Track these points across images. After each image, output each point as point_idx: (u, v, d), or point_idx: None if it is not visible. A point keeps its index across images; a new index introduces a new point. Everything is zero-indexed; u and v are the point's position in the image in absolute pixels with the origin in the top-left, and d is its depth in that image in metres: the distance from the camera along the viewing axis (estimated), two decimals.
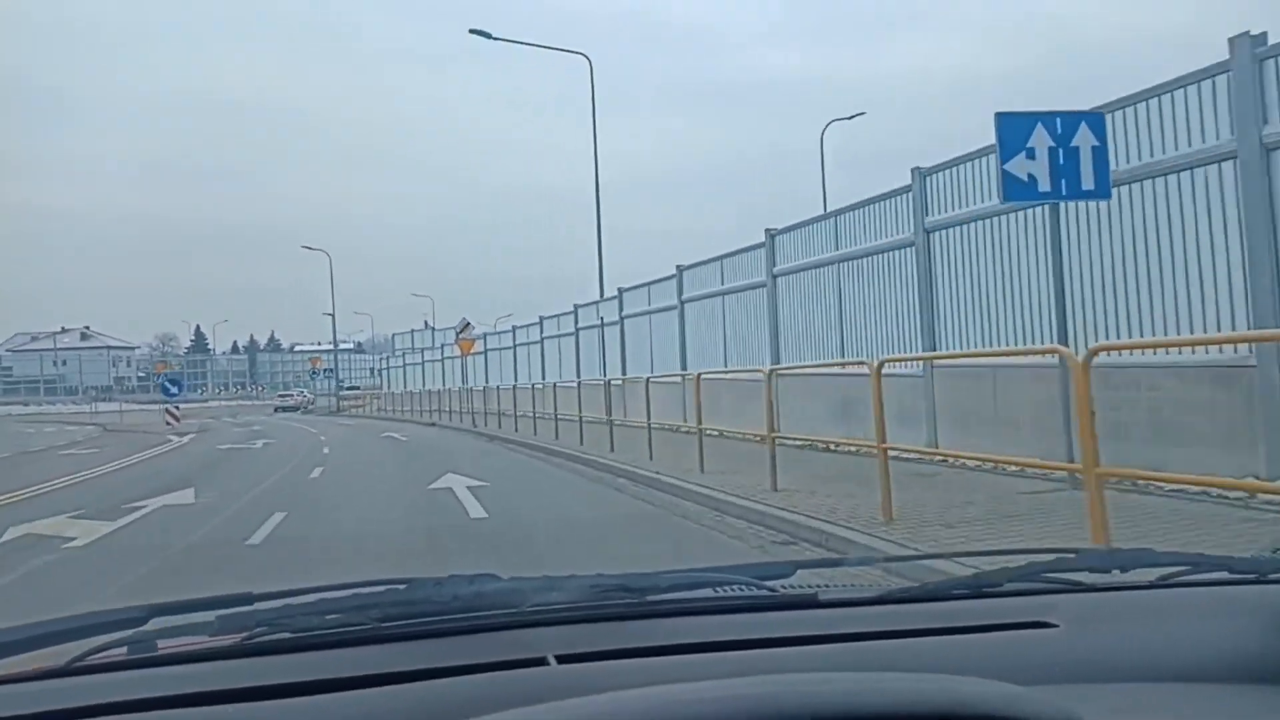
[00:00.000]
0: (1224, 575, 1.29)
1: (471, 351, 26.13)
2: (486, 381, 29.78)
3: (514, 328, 31.35)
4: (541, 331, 28.17)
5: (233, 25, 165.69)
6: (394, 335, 48.17)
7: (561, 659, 1.03)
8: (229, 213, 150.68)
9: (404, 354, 45.85)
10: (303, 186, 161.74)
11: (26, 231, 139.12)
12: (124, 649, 1.04)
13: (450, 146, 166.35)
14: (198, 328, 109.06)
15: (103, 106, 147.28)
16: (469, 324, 26.73)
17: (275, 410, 56.92)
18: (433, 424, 25.95)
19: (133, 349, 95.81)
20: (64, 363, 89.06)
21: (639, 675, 0.93)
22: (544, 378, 24.73)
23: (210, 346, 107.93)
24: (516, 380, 25.51)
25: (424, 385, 37.11)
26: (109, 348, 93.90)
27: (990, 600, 1.24)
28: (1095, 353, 4.68)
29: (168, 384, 30.73)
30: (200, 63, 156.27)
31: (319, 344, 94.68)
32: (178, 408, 29.15)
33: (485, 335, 34.90)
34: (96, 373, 78.12)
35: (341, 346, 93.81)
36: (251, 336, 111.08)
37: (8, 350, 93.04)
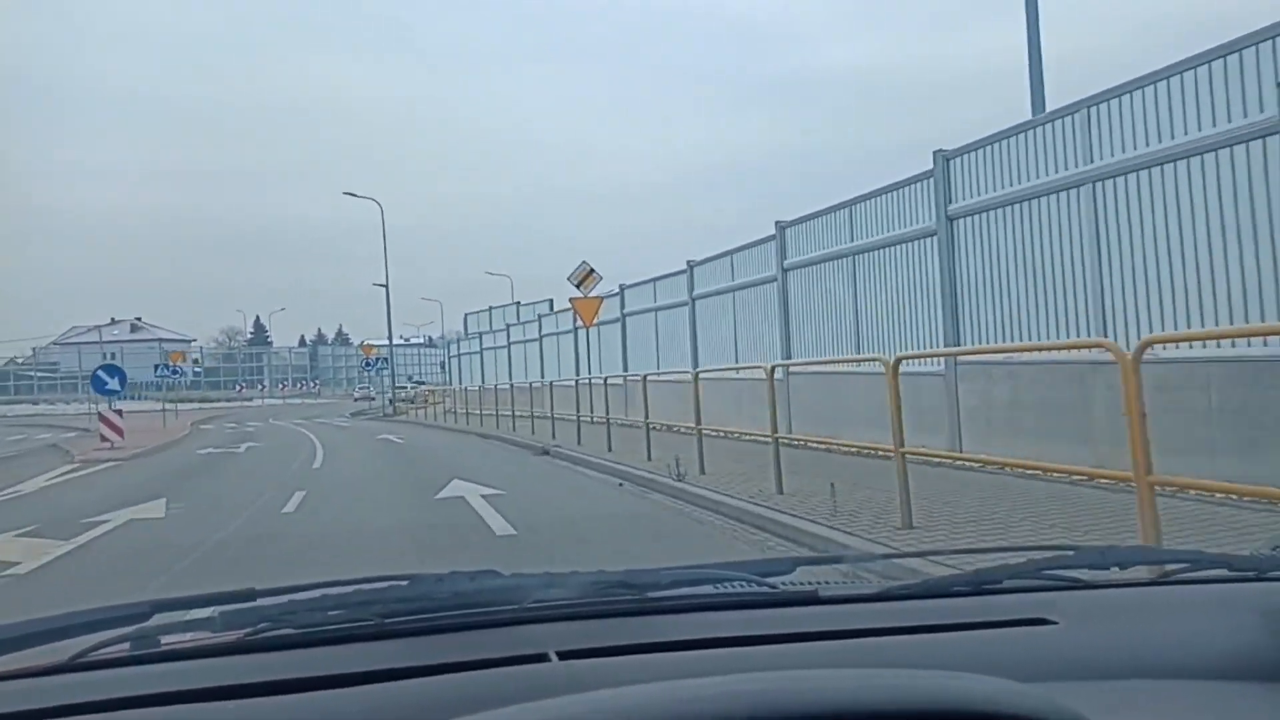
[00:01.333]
0: (1223, 573, 1.29)
1: (596, 320, 17.48)
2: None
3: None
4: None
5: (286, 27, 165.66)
6: (465, 316, 38.13)
7: (563, 655, 1.03)
8: (302, 209, 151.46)
9: (480, 336, 35.12)
10: (369, 178, 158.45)
11: (104, 230, 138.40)
12: (127, 645, 1.04)
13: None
14: (257, 319, 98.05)
15: (162, 110, 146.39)
16: (591, 270, 16.96)
17: (355, 400, 57.25)
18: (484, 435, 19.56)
19: (188, 341, 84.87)
20: (110, 356, 77.79)
21: (640, 671, 0.93)
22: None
23: (270, 339, 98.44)
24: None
25: (508, 378, 28.61)
26: (160, 340, 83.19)
27: (990, 597, 1.24)
28: (1147, 346, 4.20)
29: (102, 376, 19.51)
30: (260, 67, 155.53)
31: (409, 340, 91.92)
32: (119, 412, 18.60)
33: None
34: (146, 367, 63.82)
35: (410, 340, 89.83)
36: (319, 330, 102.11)
37: (55, 344, 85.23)
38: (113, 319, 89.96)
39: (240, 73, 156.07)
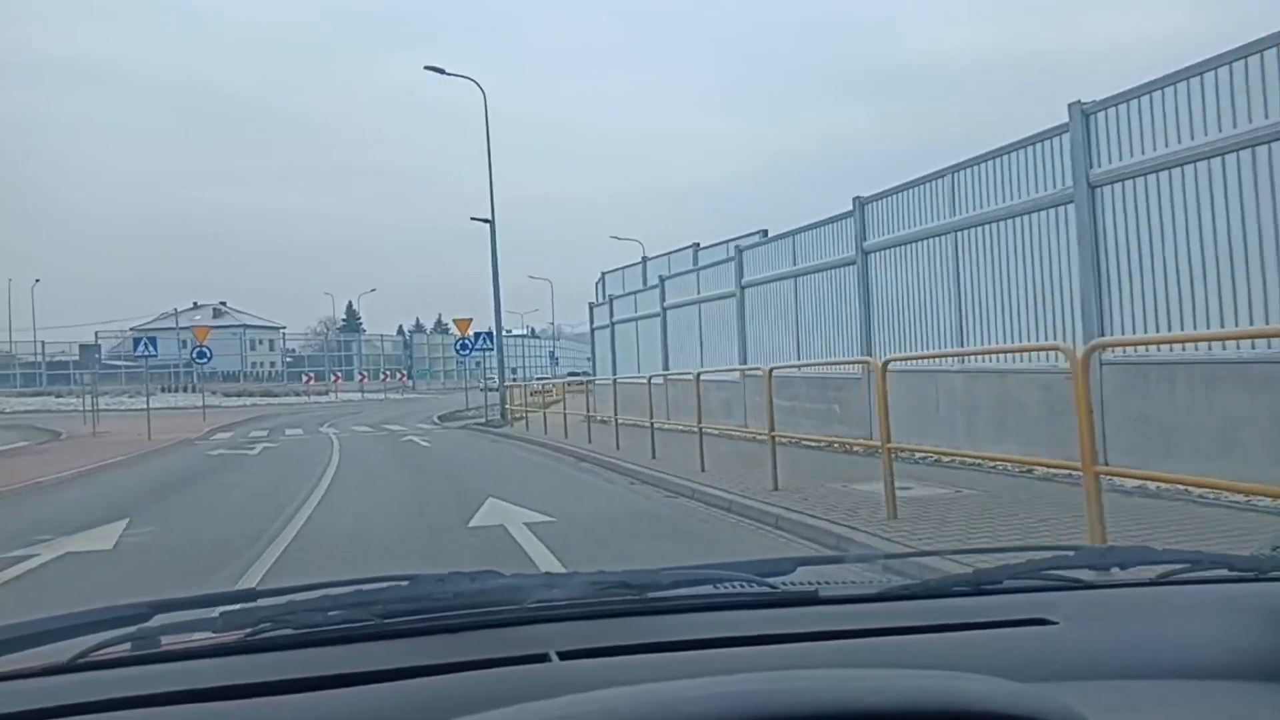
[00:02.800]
0: (1223, 573, 1.30)
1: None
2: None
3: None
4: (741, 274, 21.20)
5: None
6: (604, 275, 29.04)
7: (563, 655, 1.04)
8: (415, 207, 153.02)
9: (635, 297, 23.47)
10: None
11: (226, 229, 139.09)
12: (127, 645, 1.04)
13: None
14: (349, 305, 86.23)
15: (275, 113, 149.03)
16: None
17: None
18: None
19: (277, 329, 74.46)
20: (184, 344, 67.00)
21: (641, 671, 0.94)
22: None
23: (361, 325, 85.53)
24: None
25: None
26: (245, 326, 74.15)
27: (990, 597, 1.24)
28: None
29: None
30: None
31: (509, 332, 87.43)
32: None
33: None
34: (229, 355, 60.00)
35: (511, 332, 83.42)
36: (417, 319, 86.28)
37: (132, 330, 69.33)
38: (195, 303, 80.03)
39: (341, 75, 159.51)
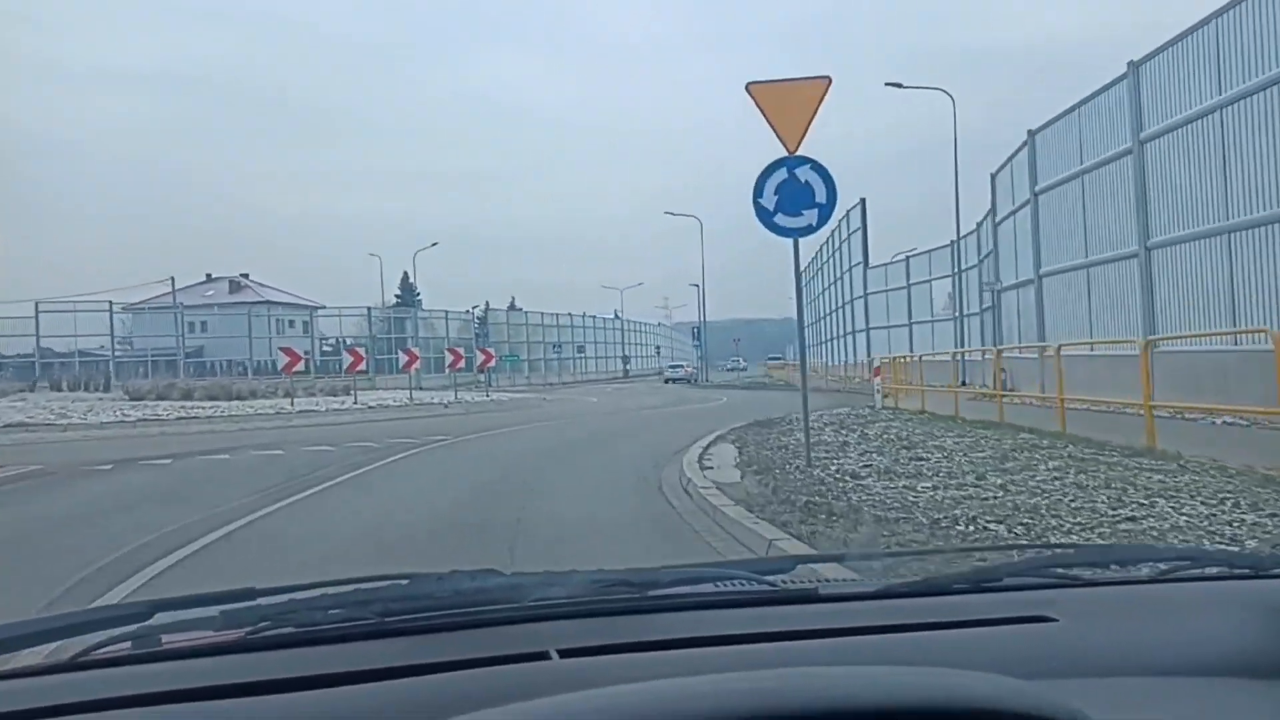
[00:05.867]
0: (1223, 570, 1.33)
1: None
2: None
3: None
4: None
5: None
6: (1031, 137, 19.63)
7: (563, 653, 1.04)
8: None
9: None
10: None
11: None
12: (128, 644, 1.05)
13: None
14: (405, 276, 72.81)
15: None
16: None
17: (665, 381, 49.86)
18: None
19: (313, 308, 58.71)
20: (202, 326, 54.48)
21: (640, 670, 0.94)
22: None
23: (419, 296, 71.78)
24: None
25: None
26: (268, 303, 58.33)
27: (990, 595, 1.25)
28: None
29: None
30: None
31: (583, 315, 74.40)
32: None
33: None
34: (258, 339, 48.30)
35: (598, 318, 78.06)
36: (486, 303, 68.24)
37: (125, 307, 50.45)
38: (209, 275, 67.29)
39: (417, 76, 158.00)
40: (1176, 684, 1.07)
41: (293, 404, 25.20)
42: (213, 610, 1.10)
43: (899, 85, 27.11)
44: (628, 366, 73.88)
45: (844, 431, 12.14)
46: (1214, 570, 1.35)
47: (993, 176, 21.73)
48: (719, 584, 1.27)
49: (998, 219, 20.34)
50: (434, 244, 61.06)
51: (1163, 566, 1.36)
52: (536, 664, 1.03)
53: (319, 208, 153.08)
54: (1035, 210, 17.83)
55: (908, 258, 36.99)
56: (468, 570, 1.22)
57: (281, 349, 25.66)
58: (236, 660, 1.03)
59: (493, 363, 37.04)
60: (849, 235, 44.33)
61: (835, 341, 51.30)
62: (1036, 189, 17.51)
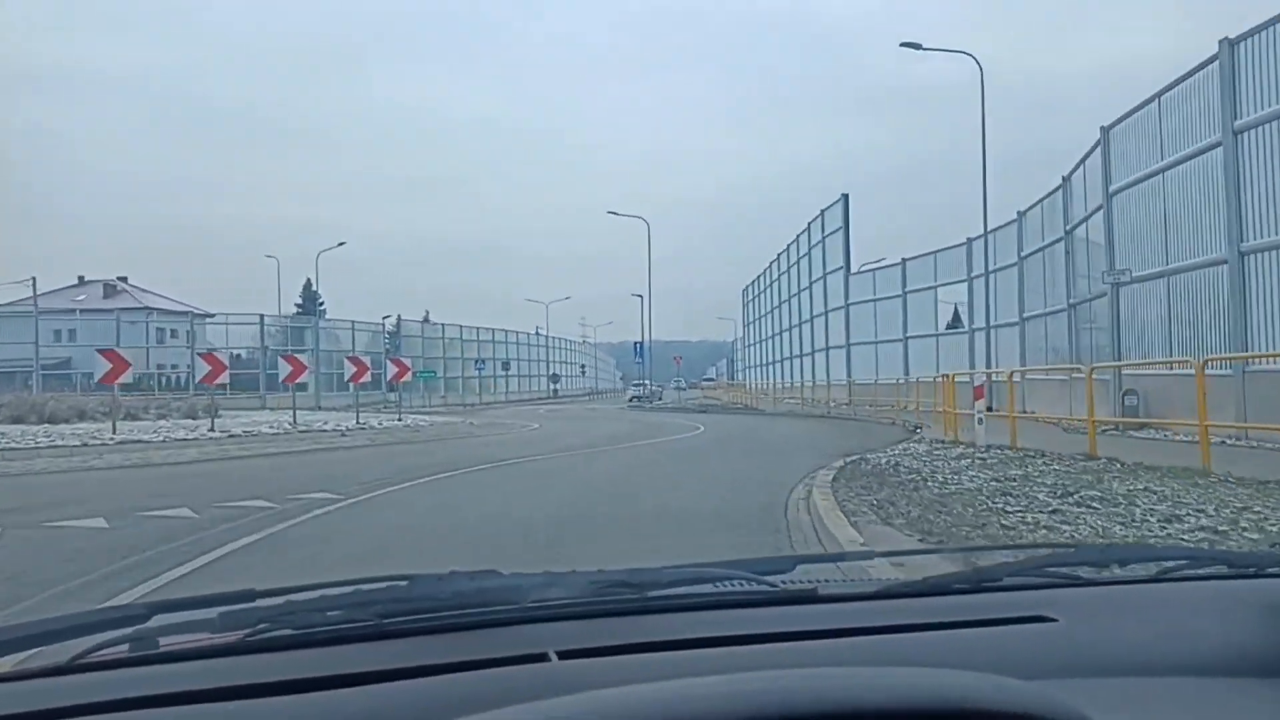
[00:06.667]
0: (1222, 569, 1.37)
1: None
2: None
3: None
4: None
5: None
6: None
7: (563, 655, 1.09)
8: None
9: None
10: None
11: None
12: (126, 646, 1.09)
13: None
14: (307, 283, 65.87)
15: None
16: None
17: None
18: None
19: (201, 315, 52.56)
20: (70, 334, 49.32)
21: (640, 671, 0.98)
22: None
23: (323, 305, 65.35)
24: None
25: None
26: (146, 309, 53.06)
27: (990, 595, 1.30)
28: None
29: None
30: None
31: (505, 331, 70.20)
32: None
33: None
34: (132, 349, 34.68)
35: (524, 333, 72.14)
36: (399, 316, 64.55)
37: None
38: (81, 278, 63.77)
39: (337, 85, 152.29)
40: (1177, 684, 1.11)
41: (114, 430, 17.77)
42: (211, 612, 1.13)
43: (917, 46, 25.00)
44: (556, 386, 66.98)
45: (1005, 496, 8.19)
46: (1214, 570, 1.39)
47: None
48: (719, 585, 1.31)
49: (1113, 186, 17.42)
50: (340, 243, 53.06)
51: (1163, 566, 1.41)
52: (536, 665, 1.07)
53: (218, 213, 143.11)
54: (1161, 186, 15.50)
55: (904, 261, 31.25)
56: (467, 571, 1.25)
57: (102, 353, 17.91)
58: (235, 662, 1.07)
59: (408, 376, 29.46)
60: (825, 238, 38.47)
61: (798, 360, 45.23)
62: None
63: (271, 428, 22.20)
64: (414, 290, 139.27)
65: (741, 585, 1.31)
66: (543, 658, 1.07)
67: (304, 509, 8.42)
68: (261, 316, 50.00)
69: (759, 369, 60.99)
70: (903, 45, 25.19)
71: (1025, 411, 17.91)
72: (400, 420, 27.47)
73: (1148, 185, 15.43)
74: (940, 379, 20.09)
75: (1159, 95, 14.91)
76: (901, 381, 29.54)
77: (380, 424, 25.87)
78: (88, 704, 0.96)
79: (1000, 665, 0.94)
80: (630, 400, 50.92)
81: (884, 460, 11.90)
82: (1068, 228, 20.56)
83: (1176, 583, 1.35)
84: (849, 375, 37.10)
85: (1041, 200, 22.85)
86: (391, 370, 29.98)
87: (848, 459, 11.92)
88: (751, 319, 67.48)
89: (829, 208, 40.74)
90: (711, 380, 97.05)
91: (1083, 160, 18.98)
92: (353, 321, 55.29)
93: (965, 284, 28.85)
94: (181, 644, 1.09)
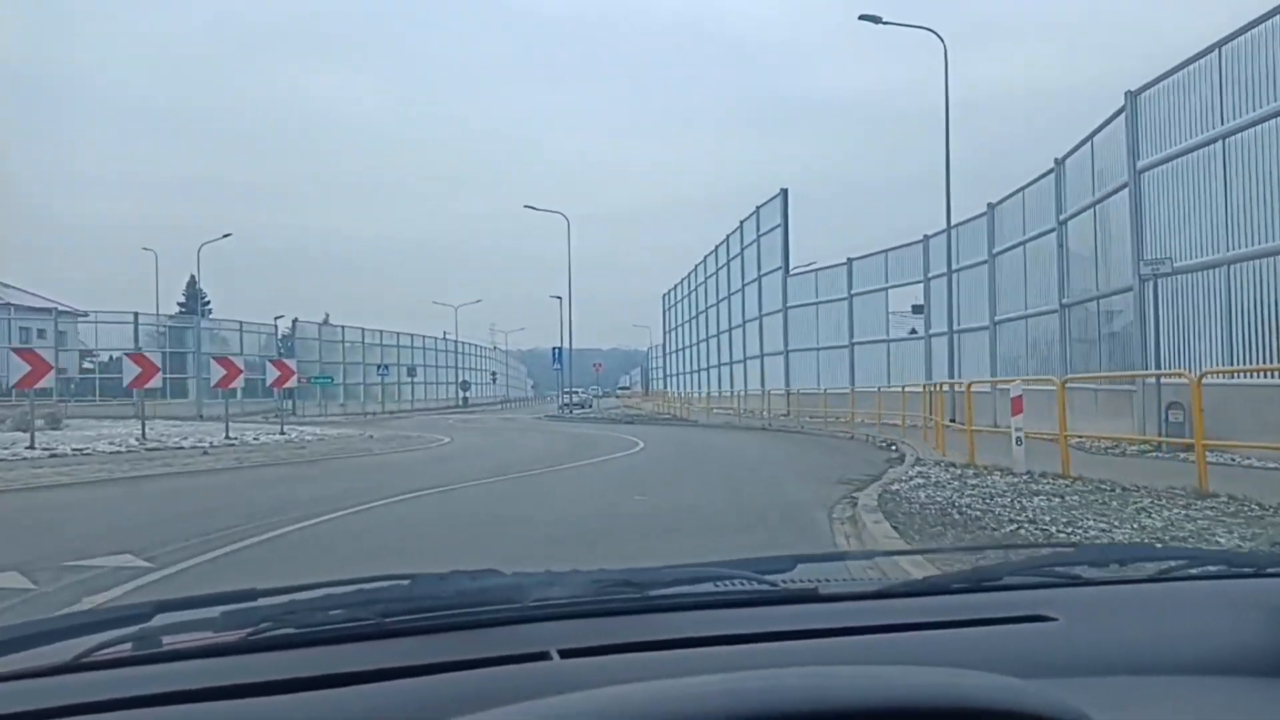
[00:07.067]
0: (1222, 569, 1.41)
1: None
2: None
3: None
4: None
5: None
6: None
7: (564, 654, 1.12)
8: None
9: None
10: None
11: None
12: (129, 645, 1.11)
13: None
14: (191, 280, 59.46)
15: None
16: None
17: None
18: None
19: (71, 314, 50.48)
20: None
21: (642, 669, 1.01)
22: None
23: (208, 302, 60.37)
24: None
25: None
26: (6, 305, 48.79)
27: (990, 594, 1.33)
28: None
29: None
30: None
31: (411, 335, 67.59)
32: None
33: None
34: None
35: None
36: (294, 320, 59.22)
37: None
38: None
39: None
40: (1176, 683, 1.14)
41: None
42: (214, 611, 1.15)
43: (876, 20, 22.97)
44: (466, 394, 62.82)
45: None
46: (1213, 569, 1.42)
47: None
48: (719, 584, 1.33)
49: (1142, 162, 15.09)
50: (226, 235, 48.78)
51: (1162, 566, 1.44)
52: (537, 664, 1.10)
53: (101, 210, 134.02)
54: None
55: (850, 261, 28.85)
56: (468, 570, 1.27)
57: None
58: (238, 661, 1.09)
59: (292, 381, 25.22)
60: (760, 236, 35.76)
61: (727, 368, 42.47)
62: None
63: (114, 444, 19.17)
64: (317, 294, 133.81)
65: (742, 584, 1.34)
66: (545, 656, 1.10)
67: (71, 595, 5.02)
68: (136, 315, 47.02)
69: (681, 377, 58.40)
70: (861, 18, 22.95)
71: (995, 427, 16.01)
72: (283, 434, 24.19)
73: (1196, 157, 13.39)
74: (932, 387, 17.55)
75: (1211, 50, 13.16)
76: (849, 391, 26.97)
77: (257, 438, 22.89)
78: (90, 703, 0.99)
79: (1000, 664, 0.98)
80: (563, 406, 50.52)
81: (904, 490, 9.85)
82: (1062, 217, 18.31)
83: (1176, 582, 1.39)
84: (788, 384, 34.51)
85: (1022, 189, 20.71)
86: (272, 374, 25.68)
87: (852, 487, 10.26)
88: (673, 325, 64.97)
89: (766, 204, 38.57)
90: (625, 389, 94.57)
91: (1090, 137, 16.61)
92: (240, 322, 52.69)
93: (922, 285, 26.41)
94: (184, 643, 1.12)
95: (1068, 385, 13.15)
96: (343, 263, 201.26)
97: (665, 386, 65.86)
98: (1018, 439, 11.67)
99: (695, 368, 55.18)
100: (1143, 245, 14.60)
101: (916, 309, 28.57)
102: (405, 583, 1.24)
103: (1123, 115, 15.31)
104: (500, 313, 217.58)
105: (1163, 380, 13.72)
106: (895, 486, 10.16)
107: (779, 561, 1.38)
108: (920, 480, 10.90)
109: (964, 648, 1.14)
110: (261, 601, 1.19)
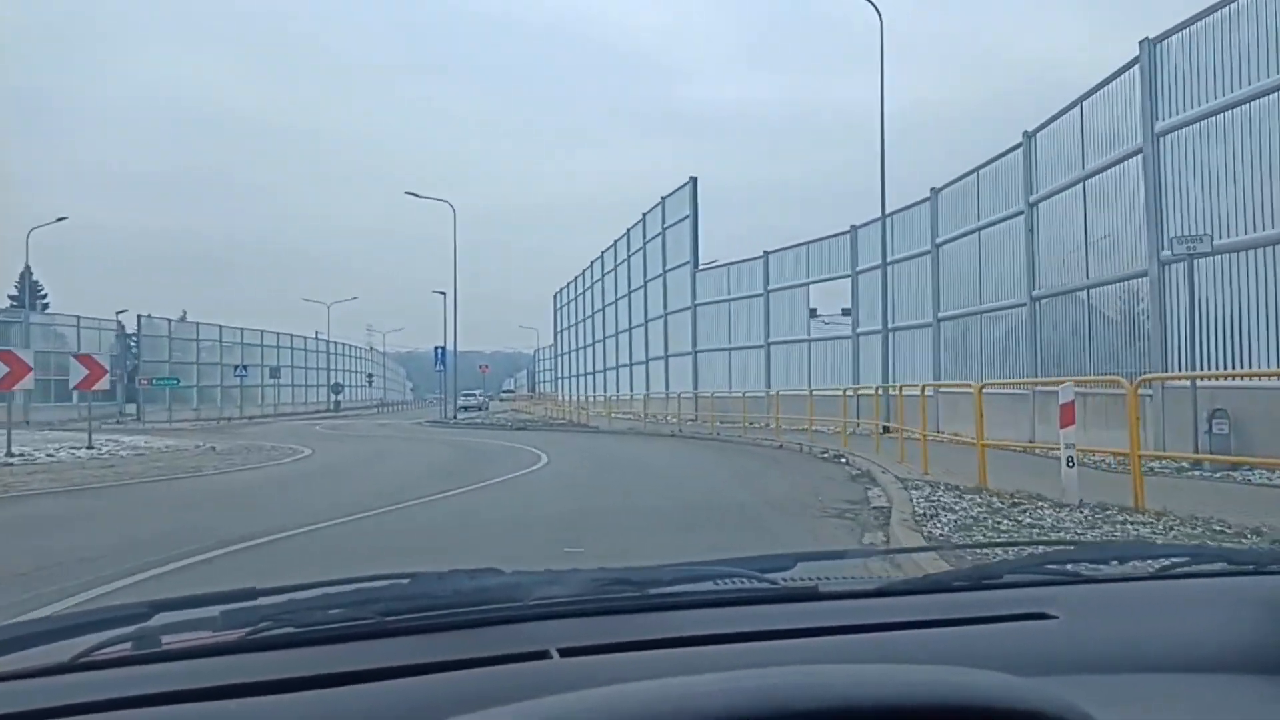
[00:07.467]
0: (1222, 566, 1.42)
1: None
2: None
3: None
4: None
5: None
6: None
7: (564, 652, 1.13)
8: None
9: None
10: None
11: None
12: (128, 645, 1.12)
13: None
14: (26, 271, 51.31)
15: None
16: None
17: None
18: None
19: None
20: None
21: (642, 668, 1.02)
22: None
23: (46, 298, 56.79)
24: None
25: None
26: None
27: (990, 592, 1.34)
28: None
29: None
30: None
31: (277, 334, 63.78)
32: None
33: None
34: None
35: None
36: (139, 317, 53.37)
37: None
38: None
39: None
40: (1176, 680, 1.16)
41: None
42: (213, 610, 1.16)
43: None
44: (339, 398, 57.91)
45: None
46: (1214, 567, 1.43)
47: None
48: (720, 582, 1.35)
49: (1161, 124, 12.98)
50: (60, 218, 43.21)
51: (1162, 563, 1.45)
52: (537, 663, 1.11)
53: None
54: None
55: (767, 254, 26.51)
56: (468, 569, 1.27)
57: None
58: (237, 660, 1.10)
59: (103, 383, 20.90)
60: (665, 229, 33.03)
61: (627, 370, 39.59)
62: None
63: None
64: (181, 293, 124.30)
65: (743, 583, 1.36)
66: (544, 655, 1.12)
67: None
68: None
69: (575, 380, 55.34)
70: None
71: (940, 433, 14.65)
72: (90, 448, 19.84)
73: (1240, 114, 10.65)
74: (893, 390, 14.80)
75: None
76: (773, 395, 24.42)
77: (53, 454, 18.91)
78: (90, 702, 1.01)
79: (1000, 662, 0.99)
80: (460, 409, 49.21)
81: (942, 531, 7.35)
82: (1033, 198, 16.12)
83: (1176, 580, 1.42)
84: (696, 387, 31.89)
85: (976, 169, 18.72)
86: (78, 373, 20.06)
87: (856, 523, 8.37)
88: (565, 325, 61.88)
89: (673, 194, 36.55)
90: (510, 392, 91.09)
91: (1079, 101, 14.25)
92: (78, 317, 47.18)
93: (849, 279, 24.06)
94: (183, 642, 1.14)
95: (1037, 388, 10.72)
96: (204, 260, 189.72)
97: (556, 390, 62.85)
98: (1069, 459, 9.14)
99: (591, 370, 53.14)
100: (1164, 222, 12.89)
101: (846, 312, 26.51)
102: (404, 582, 1.26)
103: (1135, 68, 13.79)
104: (378, 313, 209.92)
105: (1199, 384, 11.64)
106: (927, 527, 7.52)
107: (779, 560, 1.40)
108: (949, 515, 8.48)
109: (964, 645, 1.16)
110: (261, 601, 1.21)
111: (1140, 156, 13.37)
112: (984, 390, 10.69)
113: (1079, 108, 15.70)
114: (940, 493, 9.94)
